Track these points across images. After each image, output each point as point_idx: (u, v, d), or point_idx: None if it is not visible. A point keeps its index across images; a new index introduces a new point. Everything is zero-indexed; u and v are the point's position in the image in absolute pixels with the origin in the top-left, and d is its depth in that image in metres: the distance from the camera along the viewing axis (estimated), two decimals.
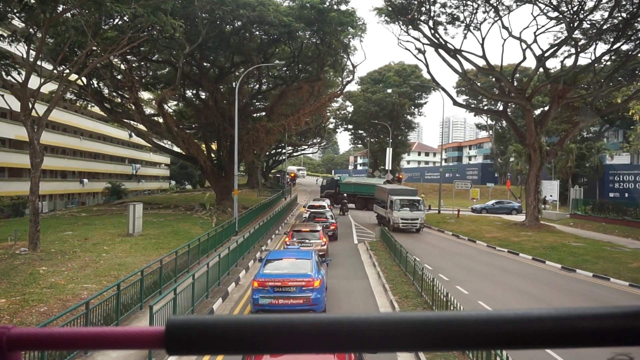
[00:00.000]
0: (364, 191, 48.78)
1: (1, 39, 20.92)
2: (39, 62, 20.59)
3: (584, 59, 35.16)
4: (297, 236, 20.78)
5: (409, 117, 78.66)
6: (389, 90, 73.57)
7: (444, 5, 32.95)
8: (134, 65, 36.81)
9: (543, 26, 34.33)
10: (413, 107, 77.09)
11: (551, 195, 46.17)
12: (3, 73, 21.18)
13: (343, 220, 37.08)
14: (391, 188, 34.35)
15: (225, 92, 42.07)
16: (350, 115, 79.82)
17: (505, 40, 33.54)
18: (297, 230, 21.57)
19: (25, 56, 20.01)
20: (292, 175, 69.83)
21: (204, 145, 43.03)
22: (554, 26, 32.33)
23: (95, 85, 35.39)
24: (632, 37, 29.91)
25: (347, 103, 78.02)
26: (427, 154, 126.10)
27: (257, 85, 45.35)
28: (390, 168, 69.74)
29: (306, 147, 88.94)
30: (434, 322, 0.73)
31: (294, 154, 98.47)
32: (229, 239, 24.25)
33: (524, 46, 32.27)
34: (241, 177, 66.66)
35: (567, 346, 0.72)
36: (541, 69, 33.59)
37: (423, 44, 35.47)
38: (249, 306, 13.93)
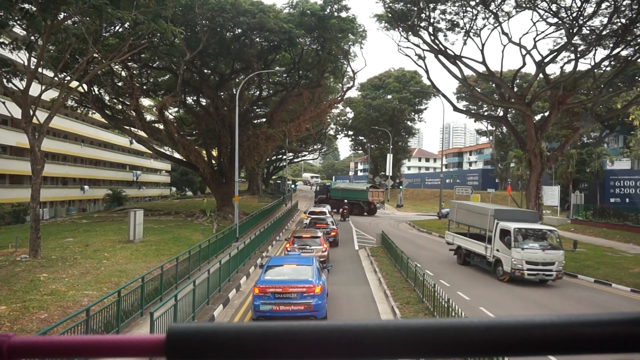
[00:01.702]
0: (350, 196, 50.25)
1: (2, 46, 21.00)
2: (40, 70, 20.66)
3: (583, 65, 35.24)
4: (298, 242, 20.77)
5: (409, 122, 78.91)
6: (389, 96, 73.83)
7: (443, 12, 33.07)
8: (134, 72, 36.93)
9: (543, 32, 34.42)
10: (413, 113, 77.36)
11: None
12: (4, 80, 21.25)
13: (344, 226, 37.03)
14: (497, 209, 21.56)
15: (226, 98, 42.17)
16: (350, 121, 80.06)
17: (505, 46, 33.66)
18: (298, 236, 21.58)
19: (26, 63, 20.09)
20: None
21: (204, 152, 43.11)
22: (553, 32, 32.35)
23: (96, 92, 35.47)
24: (632, 43, 29.96)
25: (348, 109, 78.30)
26: (427, 160, 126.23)
27: (258, 92, 45.47)
28: (390, 174, 69.95)
29: (307, 153, 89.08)
30: (436, 329, 0.73)
31: (295, 160, 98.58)
32: (229, 245, 24.23)
33: (524, 52, 32.34)
34: (242, 184, 66.69)
35: (569, 353, 0.72)
36: (541, 75, 33.64)
37: (423, 50, 35.56)
38: (250, 313, 13.92)
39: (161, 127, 37.43)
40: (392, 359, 0.74)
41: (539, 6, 30.20)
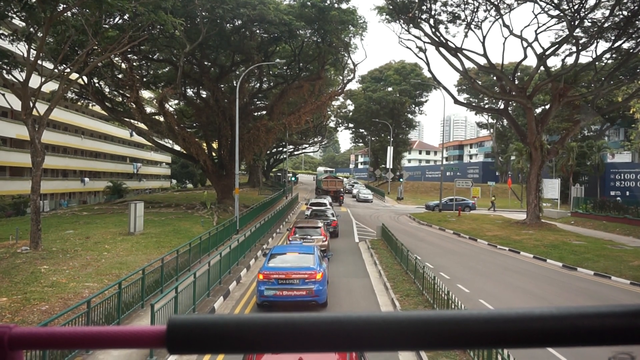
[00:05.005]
0: (319, 186, 55.25)
1: (2, 38, 20.93)
2: (39, 61, 20.61)
3: (585, 57, 35.12)
4: (300, 232, 21.36)
5: (409, 115, 78.81)
6: (390, 89, 73.68)
7: (445, 4, 32.92)
8: (134, 64, 36.81)
9: (544, 24, 34.32)
10: (414, 106, 77.24)
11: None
12: (4, 72, 21.20)
13: (344, 218, 37.13)
14: None
15: (226, 90, 42.06)
16: (351, 113, 79.93)
17: (506, 38, 33.50)
18: (300, 226, 22.26)
19: (26, 55, 20.02)
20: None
21: (205, 144, 43.06)
22: (555, 24, 32.25)
23: (96, 84, 35.39)
24: (633, 35, 29.86)
25: (348, 101, 78.13)
26: (428, 153, 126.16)
27: (258, 84, 45.35)
28: (391, 166, 69.94)
29: (307, 145, 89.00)
30: (435, 321, 0.73)
31: (295, 152, 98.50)
32: (230, 238, 24.26)
33: (525, 44, 32.25)
34: (242, 176, 66.70)
35: (568, 345, 0.72)
36: (542, 68, 33.54)
37: (424, 42, 35.46)
38: (251, 305, 14.05)
39: (161, 119, 37.36)
40: (393, 350, 0.75)
41: None
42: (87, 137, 54.25)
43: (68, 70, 23.82)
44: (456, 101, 38.94)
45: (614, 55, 33.31)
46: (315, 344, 0.73)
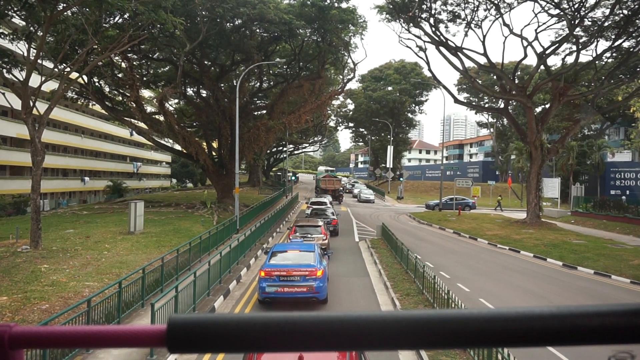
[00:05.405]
0: (317, 185, 57.61)
1: (2, 37, 20.92)
2: (39, 61, 20.60)
3: (585, 57, 35.15)
4: (300, 231, 21.50)
5: (409, 114, 78.80)
6: (390, 88, 73.68)
7: (445, 3, 32.91)
8: (134, 63, 36.77)
9: (544, 23, 34.32)
10: (414, 105, 77.23)
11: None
12: (4, 71, 21.19)
13: (344, 217, 37.18)
14: None
15: (226, 90, 42.04)
16: (351, 113, 79.92)
17: (506, 37, 33.50)
18: (300, 225, 22.42)
19: (26, 54, 20.02)
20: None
21: (205, 144, 43.07)
22: (555, 23, 32.42)
23: (96, 84, 35.36)
24: (634, 34, 29.84)
25: (348, 101, 78.10)
26: (428, 152, 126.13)
27: (258, 83, 45.33)
28: (391, 166, 69.96)
29: (307, 145, 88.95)
30: (436, 320, 0.73)
31: (295, 152, 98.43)
32: (230, 237, 24.26)
33: (525, 44, 32.24)
34: (242, 175, 66.70)
35: (568, 344, 0.72)
36: (542, 67, 33.53)
37: (424, 41, 35.44)
38: (251, 304, 14.07)
39: (161, 118, 37.37)
40: (393, 349, 0.75)
41: None
42: (87, 136, 54.26)
43: (68, 69, 23.80)
44: (456, 100, 38.92)
45: (614, 54, 33.29)
46: (315, 343, 0.73)
